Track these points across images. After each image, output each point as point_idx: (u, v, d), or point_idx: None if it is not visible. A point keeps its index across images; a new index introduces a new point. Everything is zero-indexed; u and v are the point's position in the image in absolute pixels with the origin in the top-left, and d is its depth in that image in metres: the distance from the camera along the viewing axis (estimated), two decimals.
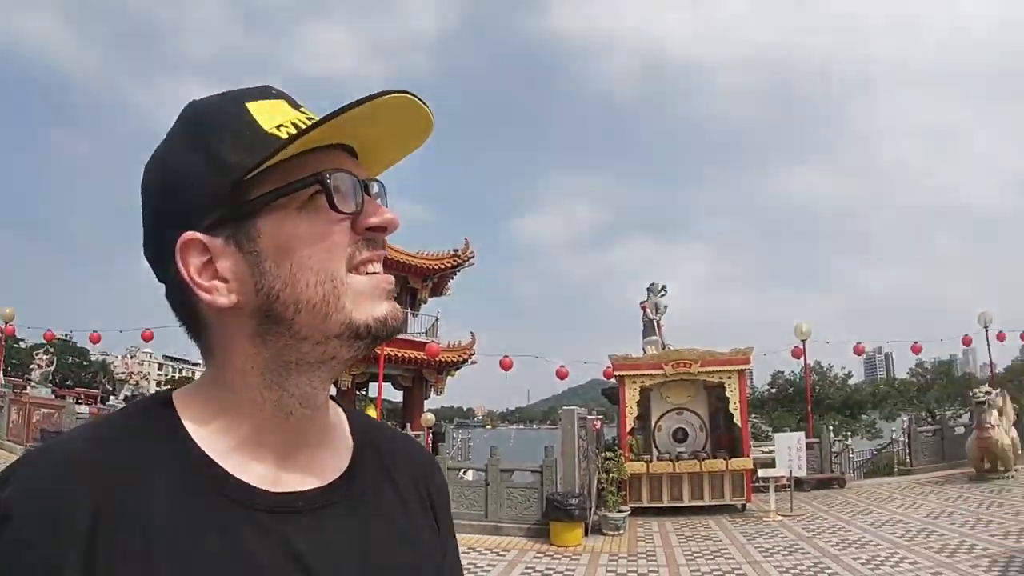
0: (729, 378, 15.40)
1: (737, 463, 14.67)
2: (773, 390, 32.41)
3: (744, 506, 14.65)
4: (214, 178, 0.70)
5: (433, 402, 20.34)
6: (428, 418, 16.76)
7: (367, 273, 0.74)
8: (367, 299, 0.73)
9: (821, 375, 31.70)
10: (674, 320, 18.68)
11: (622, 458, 14.16)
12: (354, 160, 0.76)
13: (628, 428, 15.30)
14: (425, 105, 0.72)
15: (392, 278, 0.78)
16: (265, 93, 0.77)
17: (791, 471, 14.59)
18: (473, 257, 17.17)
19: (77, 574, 0.59)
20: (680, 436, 15.61)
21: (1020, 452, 16.31)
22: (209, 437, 0.71)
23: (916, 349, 27.59)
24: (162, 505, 0.64)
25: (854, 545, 10.27)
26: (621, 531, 12.36)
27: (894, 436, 22.42)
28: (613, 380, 16.81)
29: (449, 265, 16.56)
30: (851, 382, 34.16)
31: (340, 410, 0.86)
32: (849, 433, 25.70)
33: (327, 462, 0.79)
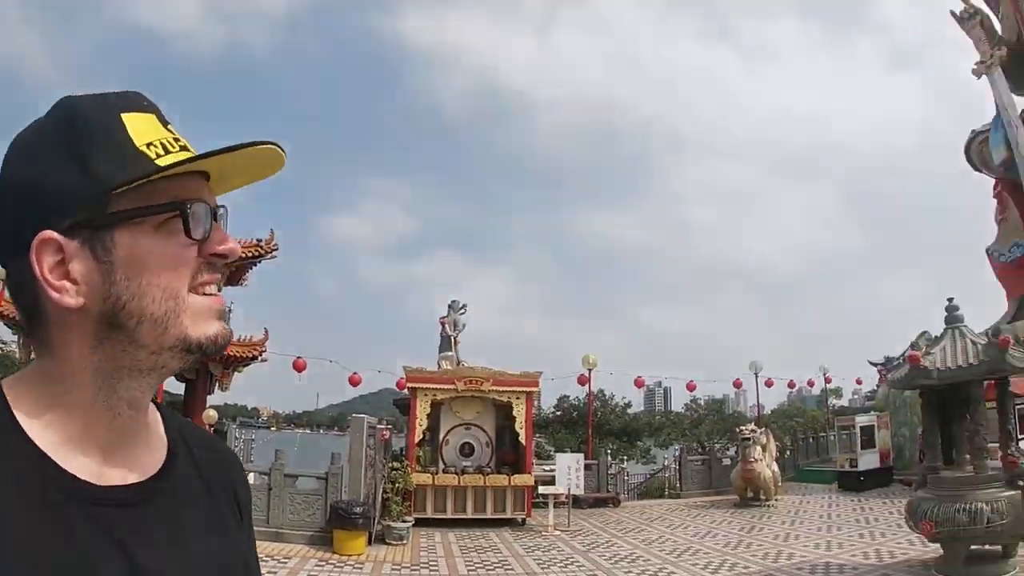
0: (518, 398, 16.38)
1: (520, 479, 15.58)
2: (558, 412, 34.32)
3: (524, 520, 15.49)
4: (82, 184, 0.76)
5: (217, 398, 19.40)
6: (210, 415, 15.94)
7: (204, 294, 0.83)
8: (203, 318, 0.82)
9: (604, 402, 34.04)
10: (471, 338, 19.56)
11: (409, 469, 14.49)
12: (207, 184, 0.85)
13: (417, 440, 15.67)
14: (284, 153, 0.84)
15: (224, 299, 0.88)
16: (139, 104, 0.84)
17: (570, 489, 15.65)
18: (277, 249, 16.63)
19: None
20: (467, 450, 16.27)
21: (779, 484, 18.84)
22: (41, 431, 0.76)
23: (691, 386, 31.07)
24: None
25: (626, 560, 11.20)
26: (405, 541, 12.61)
27: (667, 463, 24.78)
28: (405, 391, 17.10)
29: (250, 255, 15.84)
30: (631, 411, 37.12)
31: (156, 410, 0.94)
32: (625, 457, 27.95)
33: (145, 459, 0.86)
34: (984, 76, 24.04)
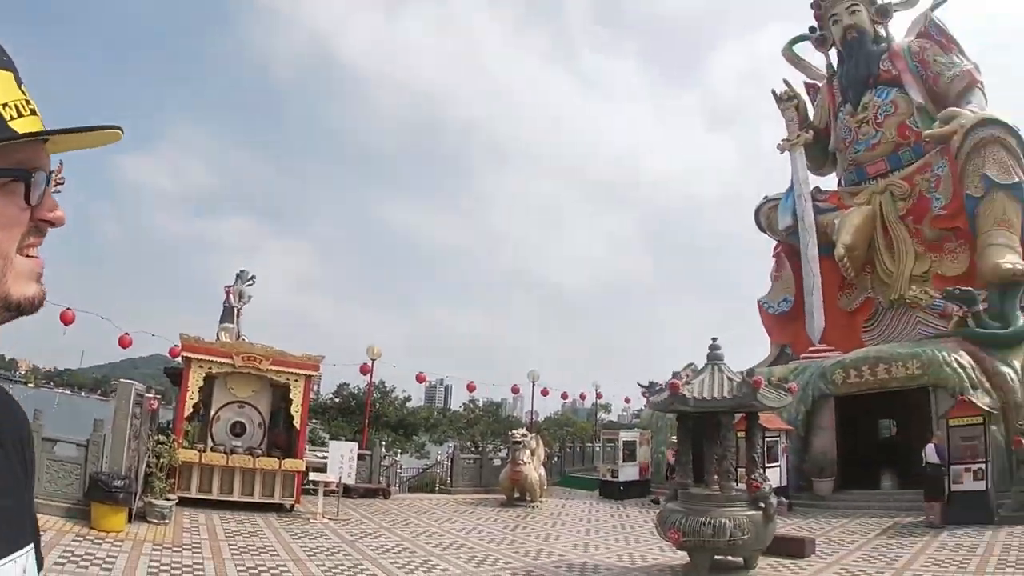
0: (296, 380, 15.92)
1: (291, 464, 15.17)
2: (336, 399, 33.84)
3: (293, 507, 15.08)
4: None
5: None
6: None
7: (28, 255, 0.85)
8: (24, 279, 0.84)
9: (384, 394, 34.08)
10: (257, 311, 18.74)
11: (175, 444, 13.59)
12: (44, 147, 0.87)
13: (186, 414, 14.75)
14: (122, 134, 0.90)
15: (43, 261, 0.90)
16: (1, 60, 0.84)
17: (341, 478, 15.52)
18: (63, 183, 15.07)
19: None
20: (238, 430, 15.54)
21: (545, 487, 19.85)
22: None
23: (471, 387, 31.89)
24: None
25: (393, 551, 11.27)
26: (167, 520, 11.88)
27: (440, 459, 25.26)
28: (179, 360, 16.12)
29: None
30: (410, 405, 37.50)
31: None
32: (400, 450, 28.08)
33: None
34: (787, 152, 27.32)
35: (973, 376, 17.58)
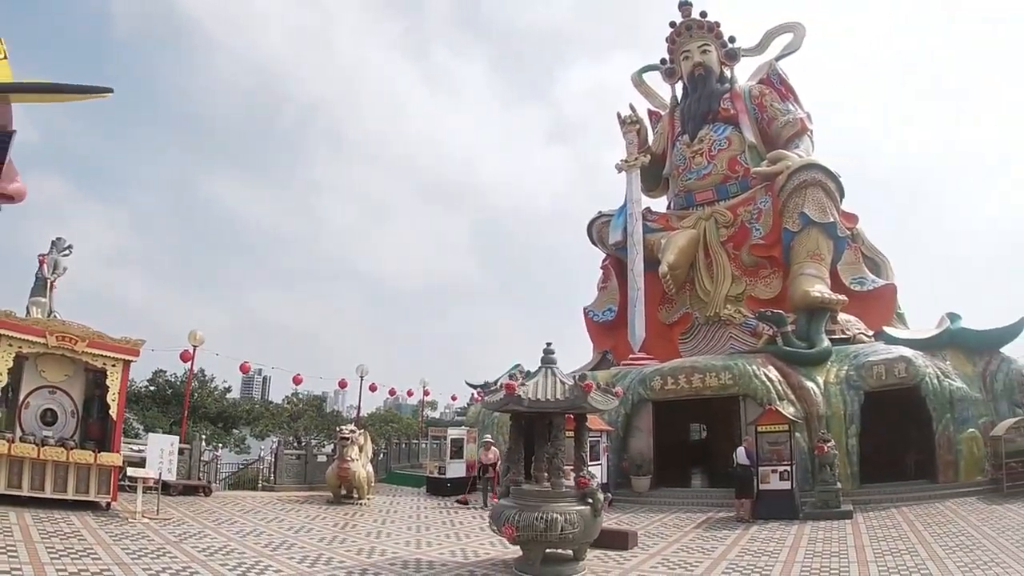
0: (114, 366, 14.80)
1: (107, 458, 14.06)
2: (152, 387, 31.86)
3: (109, 505, 14.03)
4: None
5: None
6: None
7: None
8: None
9: (203, 383, 32.50)
10: (67, 284, 17.12)
11: None
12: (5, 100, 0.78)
13: None
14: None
15: None
16: None
17: (161, 473, 14.67)
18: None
19: None
20: (49, 418, 14.27)
21: (372, 484, 19.66)
22: None
23: (298, 380, 30.99)
24: None
25: (221, 552, 10.77)
26: None
27: (262, 454, 24.37)
28: None
29: None
30: (229, 396, 35.93)
31: None
32: (220, 444, 26.91)
33: None
34: (624, 172, 28.78)
35: (780, 388, 19.35)
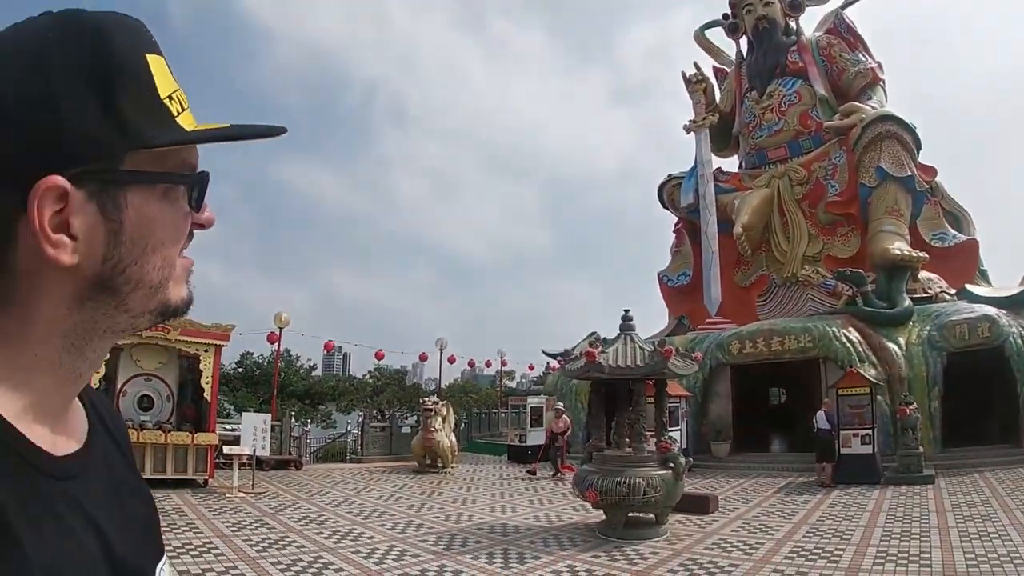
0: (206, 351, 15.65)
1: (203, 438, 14.97)
2: (240, 369, 33.30)
3: (207, 482, 14.91)
4: (104, 131, 0.67)
5: None
6: None
7: (183, 256, 0.78)
8: (180, 282, 0.77)
9: (289, 363, 33.77)
10: None
11: None
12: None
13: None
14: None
15: (193, 261, 0.81)
16: (155, 43, 0.74)
17: (255, 450, 15.45)
18: None
19: None
20: (146, 404, 15.21)
21: (456, 453, 20.36)
22: (3, 398, 0.66)
23: (380, 355, 32.05)
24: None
25: (316, 521, 11.41)
26: None
27: (349, 428, 25.35)
28: None
29: None
30: (314, 374, 37.27)
31: None
32: (307, 420, 28.04)
33: (75, 422, 0.78)
34: (692, 133, 28.35)
35: (861, 350, 19.04)
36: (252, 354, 33.31)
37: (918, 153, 24.80)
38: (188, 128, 0.72)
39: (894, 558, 8.54)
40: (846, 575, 7.86)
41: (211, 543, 9.40)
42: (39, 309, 0.69)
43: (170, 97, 0.72)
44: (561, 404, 20.70)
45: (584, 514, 12.29)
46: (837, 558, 8.71)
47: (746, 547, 9.61)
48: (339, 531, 10.65)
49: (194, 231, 0.79)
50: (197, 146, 0.76)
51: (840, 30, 28.31)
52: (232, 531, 10.32)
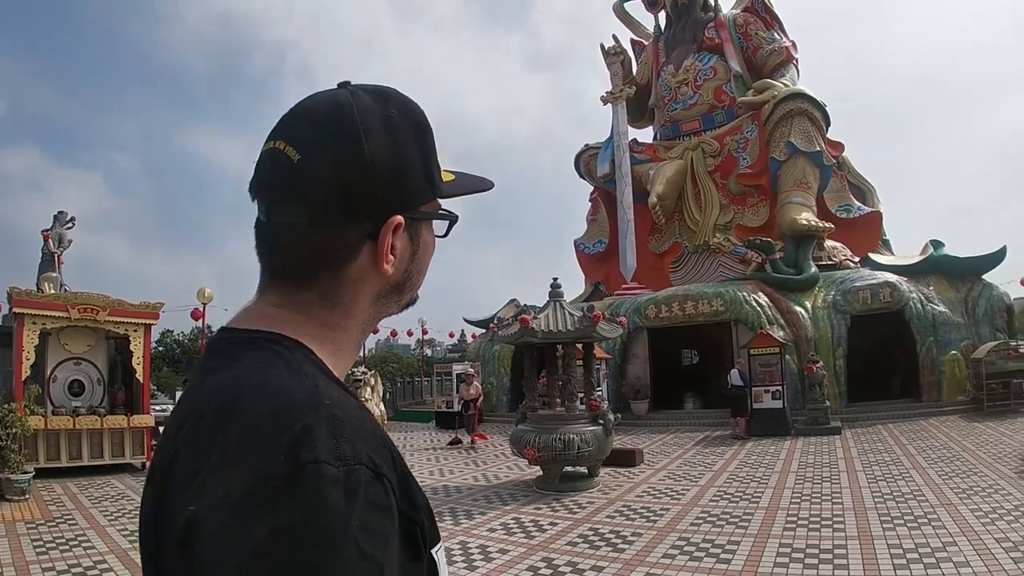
0: (136, 331, 15.34)
1: (139, 420, 14.72)
2: (161, 348, 32.49)
3: (144, 464, 14.60)
4: (424, 186, 0.94)
5: None
6: None
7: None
8: (415, 288, 1.02)
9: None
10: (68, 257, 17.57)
11: (17, 411, 12.30)
12: None
13: (23, 376, 13.65)
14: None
15: None
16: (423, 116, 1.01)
17: None
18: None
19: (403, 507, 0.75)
20: (77, 389, 14.86)
21: (387, 422, 20.62)
22: (335, 369, 0.90)
23: None
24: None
25: None
26: (27, 496, 11.10)
27: None
28: None
29: None
30: None
31: None
32: None
33: None
34: (609, 105, 29.02)
35: (770, 313, 20.39)
36: (172, 332, 32.67)
37: (827, 129, 26.39)
38: (445, 180, 1.01)
39: (808, 498, 9.56)
40: (766, 513, 8.77)
41: None
42: (358, 306, 0.94)
43: (430, 144, 0.98)
44: (471, 369, 20.60)
45: (519, 472, 13.03)
46: (757, 499, 9.68)
47: (674, 493, 10.52)
48: None
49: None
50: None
51: (757, 8, 29.40)
52: None
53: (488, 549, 7.72)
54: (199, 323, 24.28)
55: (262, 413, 0.73)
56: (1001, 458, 11.61)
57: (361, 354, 35.83)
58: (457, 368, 24.33)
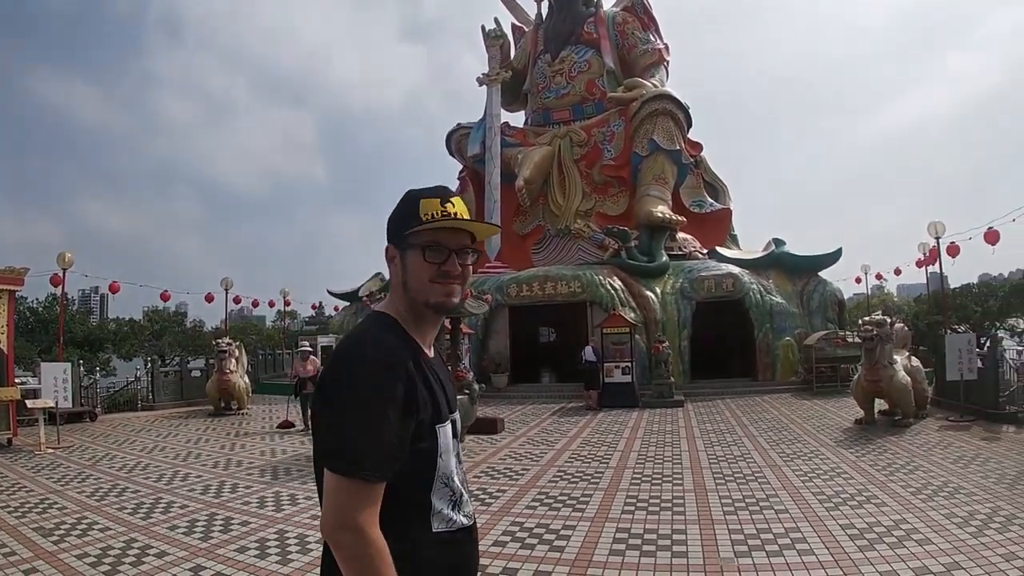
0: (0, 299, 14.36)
1: (5, 393, 13.91)
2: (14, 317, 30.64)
3: (11, 441, 14.00)
4: (404, 228, 1.79)
5: None
6: None
7: (436, 283, 1.79)
8: (432, 293, 1.79)
9: (65, 308, 31.56)
10: None
11: None
12: (459, 233, 1.84)
13: None
14: (493, 226, 2.10)
15: (453, 287, 1.84)
16: (431, 192, 1.84)
17: (58, 403, 14.59)
18: None
19: (411, 379, 1.68)
20: None
21: (250, 394, 20.43)
22: (406, 327, 1.82)
23: (165, 296, 30.67)
24: (410, 356, 1.73)
25: (138, 468, 11.34)
26: None
27: (138, 374, 24.56)
28: None
29: None
30: (92, 319, 34.89)
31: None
32: (95, 368, 26.53)
33: (432, 344, 1.94)
34: (485, 86, 29.57)
35: (623, 296, 21.86)
36: (27, 299, 30.67)
37: (688, 130, 28.27)
38: (436, 225, 1.78)
39: (652, 459, 10.83)
40: (615, 472, 9.94)
41: (48, 499, 9.17)
42: (399, 293, 1.86)
43: (426, 213, 1.79)
44: (307, 344, 18.73)
45: None
46: (608, 460, 10.90)
47: (533, 456, 11.57)
48: (165, 475, 10.74)
49: (443, 274, 1.82)
50: (458, 232, 1.85)
51: (637, 9, 31.05)
52: (62, 486, 10.02)
53: None
54: (58, 289, 22.73)
55: (348, 336, 1.79)
56: (823, 430, 13.29)
57: (227, 325, 34.79)
58: (323, 340, 24.07)
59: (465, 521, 1.81)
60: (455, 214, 1.80)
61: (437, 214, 1.78)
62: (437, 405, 1.74)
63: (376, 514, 1.56)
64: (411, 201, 1.81)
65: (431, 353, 1.90)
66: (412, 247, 1.78)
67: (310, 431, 12.43)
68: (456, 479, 1.80)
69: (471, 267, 1.89)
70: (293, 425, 16.48)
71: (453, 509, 1.77)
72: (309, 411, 13.44)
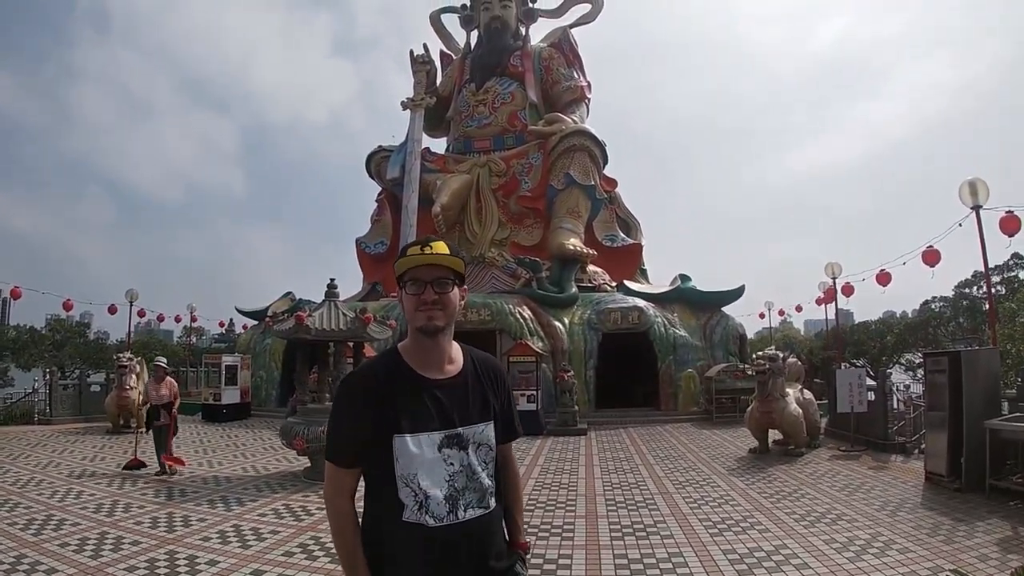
0: None
1: None
2: None
3: None
4: (396, 270, 2.25)
5: None
6: None
7: (420, 311, 2.18)
8: (416, 319, 2.19)
9: None
10: None
11: None
12: (437, 267, 2.20)
13: None
14: (452, 256, 2.24)
15: (433, 313, 2.20)
16: (418, 241, 2.24)
17: None
18: None
19: (375, 397, 2.14)
20: None
21: (142, 410, 19.42)
22: (407, 356, 2.24)
23: (68, 305, 29.11)
24: (392, 380, 2.17)
25: (31, 484, 11.08)
26: None
27: (36, 386, 23.45)
28: None
29: None
30: None
31: (459, 346, 2.38)
32: None
33: (447, 367, 2.27)
34: (409, 111, 29.58)
35: (531, 325, 22.29)
36: None
37: (604, 166, 29.00)
38: (415, 263, 2.19)
39: (548, 486, 11.10)
40: None
41: None
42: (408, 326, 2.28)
43: (405, 254, 2.22)
44: (164, 361, 14.46)
45: (288, 464, 13.50)
46: None
47: None
48: (59, 491, 10.56)
49: (422, 304, 2.19)
50: (437, 267, 2.22)
51: (563, 47, 31.76)
52: None
53: (260, 531, 8.29)
54: None
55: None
56: (718, 459, 13.80)
57: (130, 339, 33.55)
58: (227, 359, 23.26)
59: (431, 522, 2.07)
60: (431, 254, 2.20)
61: (417, 256, 2.19)
62: (396, 419, 2.09)
63: (345, 490, 2.19)
64: (403, 251, 2.24)
65: (442, 374, 2.26)
66: (402, 286, 2.24)
67: (167, 471, 12.08)
68: (423, 483, 2.09)
69: (454, 294, 2.25)
70: (144, 465, 12.99)
71: (419, 509, 2.08)
72: (162, 451, 12.38)
